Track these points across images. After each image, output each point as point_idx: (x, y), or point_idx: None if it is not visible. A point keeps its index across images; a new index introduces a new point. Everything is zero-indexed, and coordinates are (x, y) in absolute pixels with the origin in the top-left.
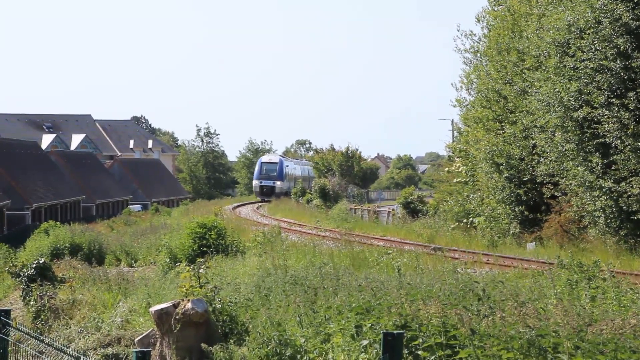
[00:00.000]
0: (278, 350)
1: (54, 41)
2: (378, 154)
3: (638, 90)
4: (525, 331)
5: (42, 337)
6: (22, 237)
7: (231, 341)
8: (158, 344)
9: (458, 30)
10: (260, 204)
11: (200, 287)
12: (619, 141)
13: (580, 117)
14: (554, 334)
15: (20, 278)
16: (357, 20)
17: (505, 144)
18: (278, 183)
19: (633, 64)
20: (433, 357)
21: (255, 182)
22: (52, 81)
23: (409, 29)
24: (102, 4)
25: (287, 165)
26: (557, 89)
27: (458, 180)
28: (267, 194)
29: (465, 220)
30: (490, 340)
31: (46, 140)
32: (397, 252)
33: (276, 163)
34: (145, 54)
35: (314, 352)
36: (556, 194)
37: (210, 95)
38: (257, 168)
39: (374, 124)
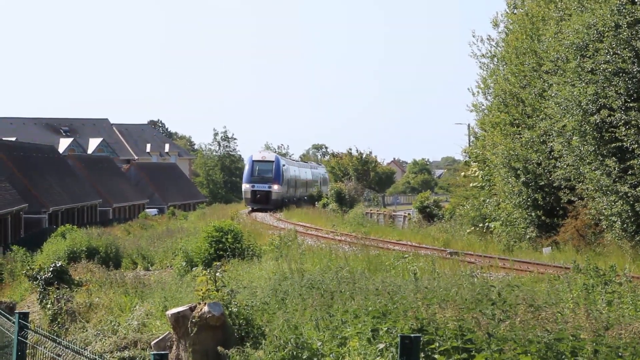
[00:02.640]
0: (295, 354)
1: (71, 46)
2: (394, 159)
3: None
4: (544, 335)
5: (59, 340)
6: (39, 241)
7: (247, 344)
8: (174, 347)
9: (473, 36)
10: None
11: (217, 290)
12: (635, 145)
13: (598, 120)
14: (572, 337)
15: (37, 281)
16: (373, 24)
17: (523, 148)
18: (275, 187)
19: None
20: None
21: (245, 187)
22: (70, 85)
23: (425, 33)
24: (121, 9)
25: (284, 165)
26: (575, 93)
27: (474, 184)
28: (260, 201)
29: (481, 225)
30: (508, 343)
31: (63, 144)
32: (413, 256)
33: (271, 162)
34: (162, 58)
35: (331, 355)
36: (573, 198)
37: (228, 99)
38: (247, 168)
39: (390, 129)
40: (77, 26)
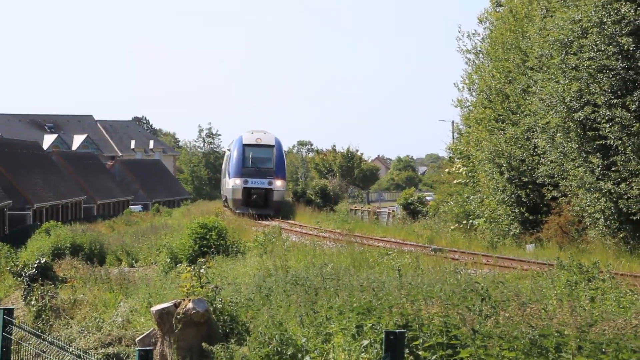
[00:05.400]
0: (279, 350)
1: (55, 41)
2: (378, 155)
3: None
4: (528, 331)
5: (44, 336)
6: (24, 237)
7: (232, 341)
8: (159, 344)
9: (459, 32)
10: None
11: (201, 287)
12: (619, 142)
13: (582, 117)
14: (556, 333)
15: (21, 278)
16: (357, 21)
17: (507, 144)
18: (278, 183)
19: (636, 64)
20: (434, 357)
21: (232, 182)
22: (54, 81)
23: (410, 29)
24: (106, 5)
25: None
26: (560, 89)
27: (458, 181)
28: (257, 203)
29: (465, 222)
30: (493, 340)
31: (48, 140)
32: (398, 252)
33: (270, 147)
34: (147, 54)
35: (315, 351)
36: (556, 195)
37: (212, 96)
38: (234, 155)
39: (374, 126)
40: (62, 22)
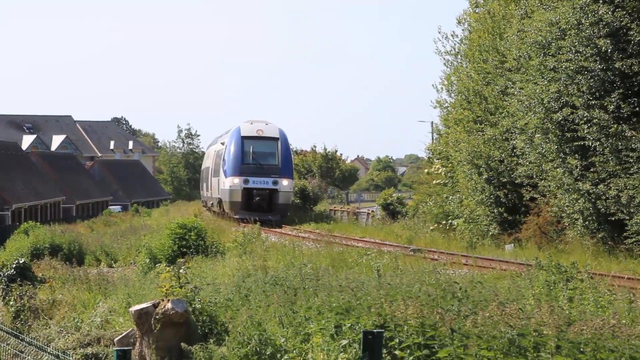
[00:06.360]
0: (258, 350)
1: (34, 41)
2: (358, 156)
3: (618, 92)
4: (507, 330)
5: (22, 336)
6: (2, 238)
7: (211, 341)
8: (138, 344)
9: (439, 32)
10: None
11: (180, 287)
12: (598, 143)
13: (560, 118)
14: (535, 333)
15: (0, 278)
16: (338, 20)
17: (485, 145)
18: (285, 183)
19: (614, 65)
20: (412, 358)
21: (229, 181)
22: (33, 82)
23: (391, 29)
24: (85, 5)
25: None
26: (538, 90)
27: (437, 182)
28: (259, 207)
29: (444, 222)
30: (471, 339)
31: (26, 141)
32: (377, 253)
33: (274, 140)
34: (126, 55)
35: (294, 351)
36: (535, 195)
37: (191, 96)
38: (232, 149)
39: (353, 126)
40: (40, 22)
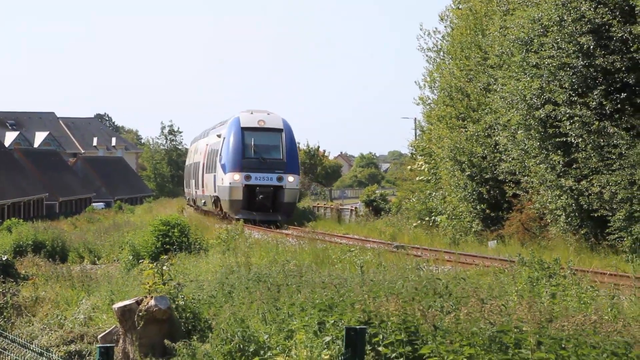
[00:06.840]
0: (241, 347)
1: (16, 38)
2: (341, 153)
3: (600, 88)
4: (487, 327)
5: (5, 334)
6: None
7: (194, 338)
8: (121, 341)
9: (421, 29)
10: None
11: (164, 284)
12: (580, 139)
13: (542, 115)
14: (515, 329)
15: None
16: (320, 17)
17: (468, 142)
18: (290, 179)
19: (596, 62)
20: (394, 354)
21: (228, 177)
22: (15, 78)
23: (374, 26)
24: (66, 1)
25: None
26: (520, 87)
27: (420, 178)
28: (263, 206)
29: (427, 219)
30: (453, 335)
31: (9, 137)
32: (360, 249)
33: (278, 131)
34: (108, 51)
35: (277, 348)
36: (518, 192)
37: (174, 93)
38: (232, 141)
39: (337, 123)
40: (22, 18)
